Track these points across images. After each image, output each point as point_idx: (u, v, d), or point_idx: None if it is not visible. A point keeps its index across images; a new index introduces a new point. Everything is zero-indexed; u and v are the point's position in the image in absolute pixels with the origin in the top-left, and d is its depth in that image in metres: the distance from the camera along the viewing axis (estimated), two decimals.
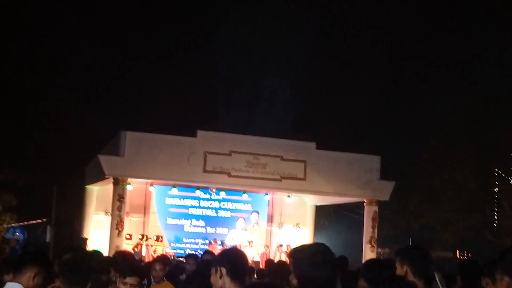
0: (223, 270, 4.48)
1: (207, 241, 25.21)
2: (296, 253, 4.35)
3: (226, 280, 4.47)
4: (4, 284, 6.04)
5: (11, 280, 5.59)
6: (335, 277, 4.27)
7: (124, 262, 7.24)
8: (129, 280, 6.54)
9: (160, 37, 42.76)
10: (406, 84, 39.11)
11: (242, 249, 22.06)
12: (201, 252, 14.34)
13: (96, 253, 8.14)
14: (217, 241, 25.40)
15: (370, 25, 40.26)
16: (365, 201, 25.35)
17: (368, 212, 25.17)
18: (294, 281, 4.27)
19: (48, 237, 27.95)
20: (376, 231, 25.05)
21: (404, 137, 35.99)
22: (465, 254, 33.51)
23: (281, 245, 25.46)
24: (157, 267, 8.41)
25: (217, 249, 23.29)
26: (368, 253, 24.71)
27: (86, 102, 37.91)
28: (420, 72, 37.22)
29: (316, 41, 41.57)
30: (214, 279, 4.55)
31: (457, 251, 35.59)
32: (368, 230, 25.03)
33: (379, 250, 26.32)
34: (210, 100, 40.15)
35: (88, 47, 40.30)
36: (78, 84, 38.98)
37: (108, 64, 39.71)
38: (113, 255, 9.56)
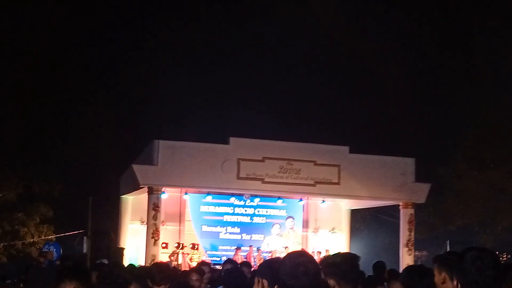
0: (265, 282, 4.43)
1: (237, 249, 25.10)
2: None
3: None
4: None
5: None
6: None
7: (160, 273, 7.21)
8: None
9: (191, 46, 42.93)
10: (439, 85, 38.79)
11: (278, 255, 22.05)
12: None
13: (130, 267, 8.12)
14: (253, 248, 25.38)
15: (401, 23, 39.89)
16: (400, 204, 25.15)
17: (404, 215, 24.97)
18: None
19: (85, 248, 28.16)
20: (413, 234, 24.84)
21: (438, 138, 35.63)
22: (504, 256, 33.02)
23: (319, 252, 25.26)
24: (194, 277, 8.35)
25: (240, 257, 23.38)
26: (406, 257, 24.55)
27: (120, 112, 38.13)
28: (453, 72, 36.83)
29: (346, 43, 41.44)
30: None
31: (496, 253, 35.05)
32: (404, 233, 24.82)
33: (417, 253, 26.05)
34: (242, 107, 40.14)
35: (122, 56, 40.56)
36: (111, 94, 39.21)
37: (142, 74, 39.97)
38: (149, 266, 9.56)
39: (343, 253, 4.89)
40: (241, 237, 26.60)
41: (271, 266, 4.56)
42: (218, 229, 26.46)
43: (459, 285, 4.57)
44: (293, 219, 27.26)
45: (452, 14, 39.59)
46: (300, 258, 4.21)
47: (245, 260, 21.19)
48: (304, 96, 40.76)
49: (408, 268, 6.14)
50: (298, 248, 26.18)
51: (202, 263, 9.97)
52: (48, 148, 33.55)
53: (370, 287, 7.59)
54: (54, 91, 36.99)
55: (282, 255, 17.98)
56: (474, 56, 36.86)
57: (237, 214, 26.67)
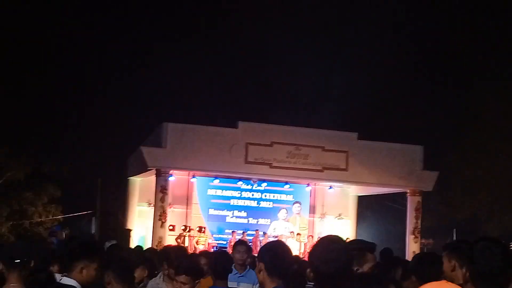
0: (262, 266, 4.49)
1: (245, 232, 25.17)
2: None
3: (264, 275, 4.48)
4: (51, 275, 6.11)
5: (61, 274, 5.63)
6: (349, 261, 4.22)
7: (180, 259, 7.20)
8: (183, 279, 6.48)
9: (199, 28, 42.82)
10: (447, 72, 38.47)
11: (285, 240, 22.16)
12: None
13: (138, 248, 8.13)
14: (259, 232, 25.51)
15: (413, 7, 39.73)
16: (408, 191, 25.22)
17: (412, 203, 25.04)
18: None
19: (93, 229, 28.37)
20: (419, 222, 24.93)
21: (447, 126, 35.42)
22: (510, 245, 32.96)
23: None
24: (202, 261, 8.37)
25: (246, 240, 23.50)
26: (412, 244, 24.65)
27: (129, 94, 38.17)
28: (461, 59, 36.58)
29: (357, 29, 41.32)
30: (256, 273, 4.60)
31: (510, 244, 34.99)
32: (411, 220, 24.88)
33: (423, 241, 25.99)
34: (252, 91, 40.04)
35: (129, 37, 40.50)
36: (120, 75, 39.22)
37: (150, 55, 39.89)
38: (167, 250, 9.54)
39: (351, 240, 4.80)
40: (248, 221, 26.69)
41: (269, 250, 4.61)
42: (225, 212, 26.55)
43: (467, 274, 4.59)
44: (300, 204, 27.33)
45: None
46: (333, 245, 4.20)
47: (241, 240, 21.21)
48: (313, 81, 40.58)
49: (418, 256, 6.16)
50: (304, 233, 26.33)
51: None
52: (58, 128, 33.61)
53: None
54: (65, 71, 37.05)
55: (288, 240, 18.18)
56: (485, 42, 36.54)
57: (244, 198, 26.76)
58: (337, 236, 4.31)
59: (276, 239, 24.71)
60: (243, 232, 25.27)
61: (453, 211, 32.93)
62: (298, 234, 25.69)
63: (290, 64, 41.72)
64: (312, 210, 27.66)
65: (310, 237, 25.88)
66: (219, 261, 7.02)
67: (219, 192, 26.54)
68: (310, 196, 27.59)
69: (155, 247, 18.76)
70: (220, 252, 10.73)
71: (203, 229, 24.77)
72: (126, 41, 40.22)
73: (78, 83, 37.35)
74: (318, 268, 4.13)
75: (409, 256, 21.61)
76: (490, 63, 34.81)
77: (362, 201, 30.26)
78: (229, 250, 16.57)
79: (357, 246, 5.45)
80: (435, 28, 39.70)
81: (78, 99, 36.31)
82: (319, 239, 4.46)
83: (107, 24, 39.79)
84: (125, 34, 40.80)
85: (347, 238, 19.25)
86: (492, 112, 32.28)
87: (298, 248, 24.33)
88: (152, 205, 23.87)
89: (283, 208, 27.05)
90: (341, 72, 38.56)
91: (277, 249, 4.65)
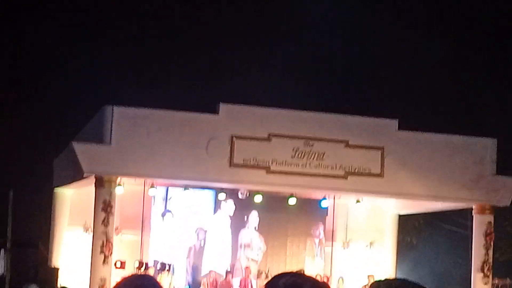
0: None
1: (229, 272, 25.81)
2: None
3: None
4: None
5: None
6: None
7: None
8: None
9: None
10: None
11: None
12: None
13: None
14: (249, 269, 25.84)
15: None
16: (474, 207, 25.15)
17: (479, 225, 24.92)
18: None
19: (2, 267, 28.07)
20: (491, 252, 24.82)
21: None
22: None
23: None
24: None
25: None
26: (480, 286, 24.59)
27: (58, 69, 38.18)
28: None
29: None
30: None
31: None
32: (479, 251, 24.75)
33: (496, 281, 26.11)
34: (241, 61, 40.02)
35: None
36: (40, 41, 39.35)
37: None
38: None
39: (393, 280, 4.83)
40: (232, 250, 27.19)
41: None
42: (199, 239, 26.80)
43: None
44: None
45: None
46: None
47: None
48: (328, 46, 40.73)
49: None
50: (317, 271, 26.22)
51: None
52: None
53: None
54: None
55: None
56: None
57: (229, 218, 27.10)
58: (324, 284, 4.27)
59: None
60: (226, 271, 25.62)
61: None
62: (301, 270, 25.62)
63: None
64: (330, 235, 27.73)
65: (326, 278, 25.90)
66: None
67: (191, 210, 26.81)
68: (327, 215, 27.66)
69: None
70: None
71: (167, 266, 24.74)
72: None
73: None
74: None
75: None
76: None
77: (405, 222, 30.53)
78: None
79: None
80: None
81: None
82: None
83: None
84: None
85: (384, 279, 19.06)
86: None
87: None
88: (90, 230, 23.67)
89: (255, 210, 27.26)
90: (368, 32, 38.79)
91: None
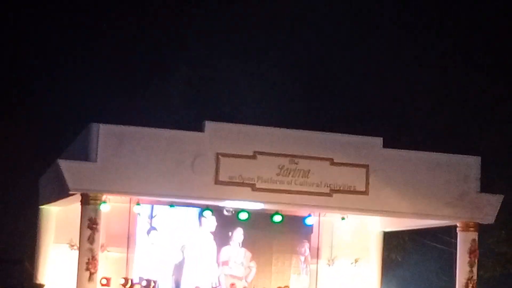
0: None
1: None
2: None
3: None
4: None
5: None
6: None
7: None
8: None
9: None
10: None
11: None
12: None
13: None
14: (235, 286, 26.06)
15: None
16: (458, 225, 25.01)
17: (464, 242, 24.78)
18: None
19: None
20: (475, 270, 24.63)
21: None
22: None
23: None
24: None
25: None
26: None
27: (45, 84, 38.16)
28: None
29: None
30: None
31: None
32: (463, 268, 24.59)
33: None
34: (227, 79, 40.10)
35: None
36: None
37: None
38: None
39: None
40: (219, 266, 27.17)
41: None
42: (183, 256, 26.90)
43: None
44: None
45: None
46: None
47: None
48: (316, 61, 40.80)
49: None
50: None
51: None
52: None
53: None
54: None
55: None
56: None
57: (214, 235, 27.23)
58: None
59: None
60: None
61: None
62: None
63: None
64: (316, 252, 27.75)
65: None
66: None
67: (176, 227, 26.89)
68: (312, 232, 27.72)
69: None
70: None
71: (152, 283, 24.65)
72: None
73: None
74: None
75: None
76: None
77: (390, 239, 30.53)
78: None
79: None
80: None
81: None
82: None
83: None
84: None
85: None
86: None
87: None
88: (75, 247, 23.54)
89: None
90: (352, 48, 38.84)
91: None
